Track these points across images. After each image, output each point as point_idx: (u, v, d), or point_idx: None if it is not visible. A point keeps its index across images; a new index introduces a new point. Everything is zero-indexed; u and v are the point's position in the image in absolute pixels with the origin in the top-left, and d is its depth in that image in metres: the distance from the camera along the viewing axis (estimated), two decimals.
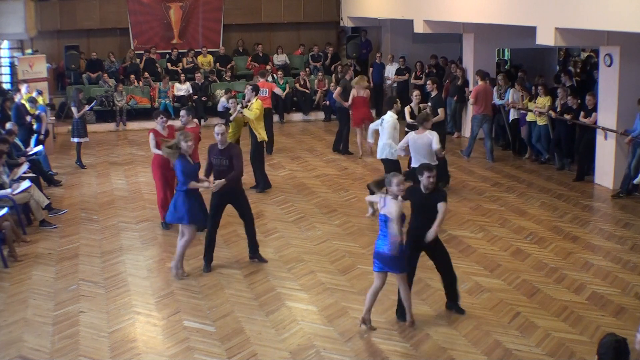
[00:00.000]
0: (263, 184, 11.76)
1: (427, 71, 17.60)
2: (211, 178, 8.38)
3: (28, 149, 12.07)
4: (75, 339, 6.83)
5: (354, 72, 17.83)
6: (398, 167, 9.97)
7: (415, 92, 11.99)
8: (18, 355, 6.56)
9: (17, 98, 14.08)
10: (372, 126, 10.83)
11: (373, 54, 20.06)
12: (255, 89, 11.79)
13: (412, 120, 11.52)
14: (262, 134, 11.41)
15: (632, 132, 11.00)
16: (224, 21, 20.34)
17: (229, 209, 8.63)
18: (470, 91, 14.57)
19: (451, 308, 7.27)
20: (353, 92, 13.95)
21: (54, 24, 19.14)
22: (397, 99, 10.67)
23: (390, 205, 6.57)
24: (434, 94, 12.41)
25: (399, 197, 6.60)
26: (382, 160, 10.27)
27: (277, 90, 14.65)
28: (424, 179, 6.80)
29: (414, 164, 9.43)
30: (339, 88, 14.49)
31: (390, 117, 10.27)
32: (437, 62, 18.02)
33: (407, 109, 11.75)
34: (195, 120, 10.78)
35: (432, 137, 9.42)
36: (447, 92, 15.78)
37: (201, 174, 8.36)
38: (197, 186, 8.13)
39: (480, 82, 13.82)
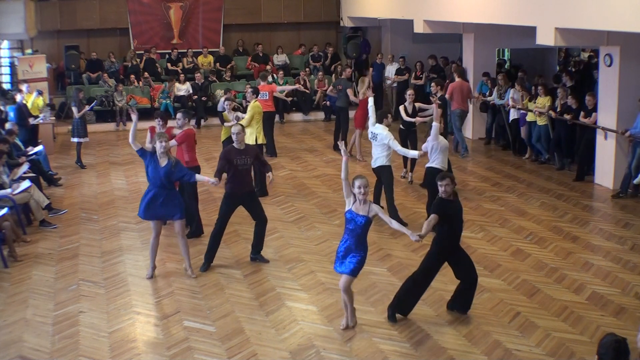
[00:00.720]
0: (262, 188, 11.35)
1: (428, 75, 17.57)
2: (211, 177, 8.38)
3: (28, 149, 12.08)
4: (75, 339, 6.83)
5: (352, 73, 17.86)
6: (391, 171, 10.00)
7: (409, 92, 12.07)
8: (18, 355, 6.57)
9: (18, 98, 14.08)
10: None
11: (373, 54, 20.05)
12: (256, 92, 11.90)
13: (408, 118, 11.70)
14: (259, 137, 11.41)
15: (631, 130, 10.99)
16: (224, 21, 20.34)
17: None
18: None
19: (453, 308, 7.27)
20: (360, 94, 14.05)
21: (54, 24, 19.14)
22: (389, 114, 10.32)
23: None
24: (439, 95, 12.44)
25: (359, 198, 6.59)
26: (377, 168, 10.09)
27: (280, 90, 14.60)
28: (440, 188, 6.92)
29: (429, 164, 9.94)
30: (349, 89, 14.43)
31: (382, 129, 9.86)
32: (437, 63, 18.00)
33: (401, 108, 11.98)
34: (192, 122, 10.82)
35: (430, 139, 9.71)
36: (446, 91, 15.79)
37: (204, 174, 8.35)
38: None
39: (457, 79, 14.09)
